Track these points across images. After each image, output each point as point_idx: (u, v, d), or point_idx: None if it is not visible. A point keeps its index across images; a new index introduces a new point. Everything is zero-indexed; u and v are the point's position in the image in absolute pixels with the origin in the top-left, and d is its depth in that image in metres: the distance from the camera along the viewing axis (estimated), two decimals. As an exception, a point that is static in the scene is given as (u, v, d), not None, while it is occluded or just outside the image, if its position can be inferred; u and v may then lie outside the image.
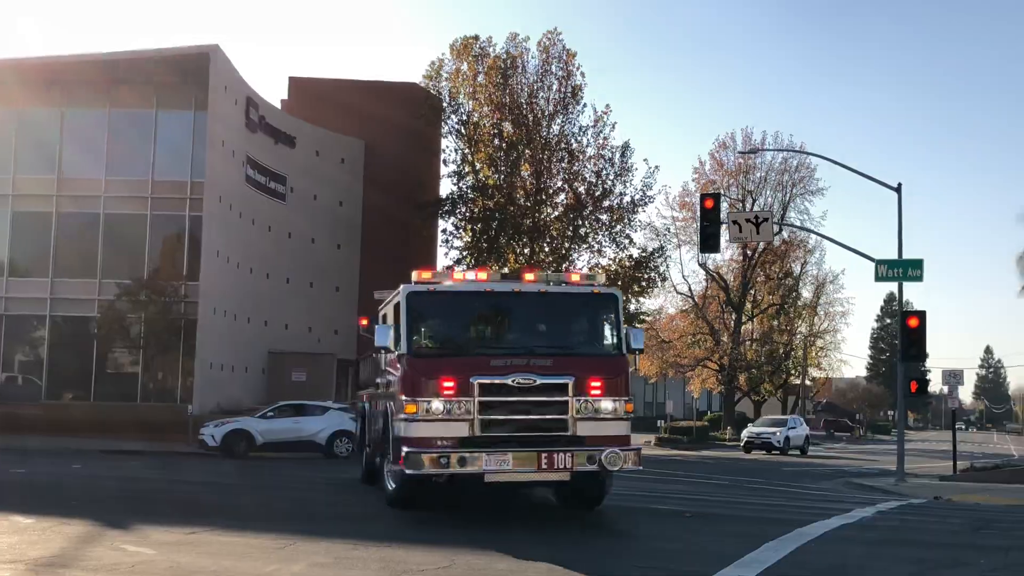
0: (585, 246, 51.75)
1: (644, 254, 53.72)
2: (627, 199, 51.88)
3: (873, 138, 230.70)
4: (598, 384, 14.08)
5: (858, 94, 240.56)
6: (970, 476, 31.53)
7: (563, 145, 51.51)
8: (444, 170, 53.83)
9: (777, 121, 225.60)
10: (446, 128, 52.76)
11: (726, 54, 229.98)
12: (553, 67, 51.42)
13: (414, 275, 14.76)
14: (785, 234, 65.46)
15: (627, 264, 51.45)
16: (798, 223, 63.54)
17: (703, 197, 30.98)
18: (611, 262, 51.14)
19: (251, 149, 45.60)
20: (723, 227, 29.88)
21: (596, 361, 14.49)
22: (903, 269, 27.63)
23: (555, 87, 51.43)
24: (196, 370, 40.42)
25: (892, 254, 28.38)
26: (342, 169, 51.79)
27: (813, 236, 65.68)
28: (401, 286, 14.64)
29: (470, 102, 52.23)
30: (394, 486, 15.11)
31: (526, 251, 50.33)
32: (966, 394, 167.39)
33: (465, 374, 13.62)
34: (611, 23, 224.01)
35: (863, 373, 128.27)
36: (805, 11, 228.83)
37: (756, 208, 61.67)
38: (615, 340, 14.78)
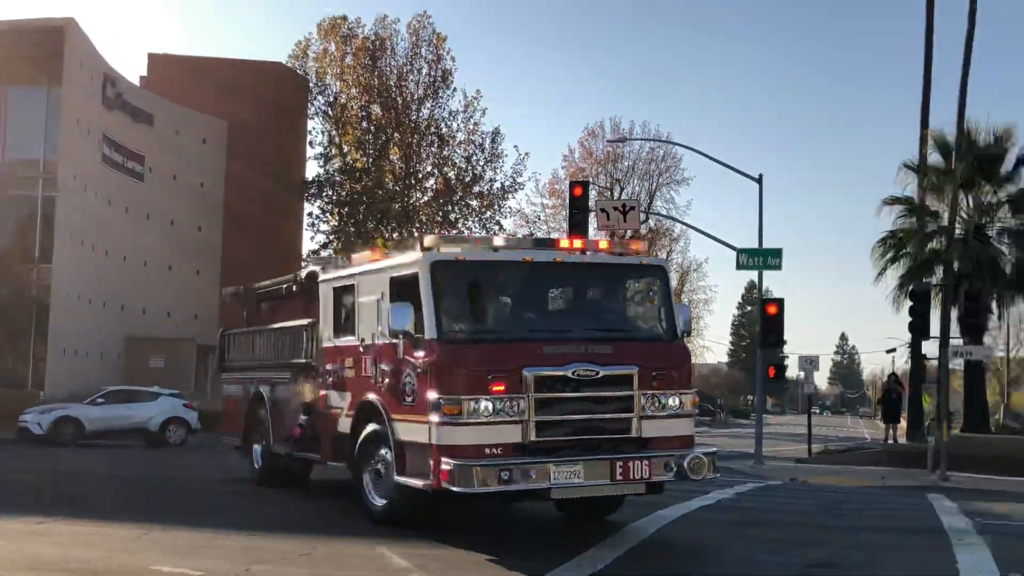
0: (455, 232, 51.73)
1: (514, 241, 54.04)
2: (497, 185, 52.14)
3: (738, 131, 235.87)
4: (664, 375, 11.89)
5: (724, 87, 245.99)
6: (824, 459, 32.53)
7: (433, 129, 51.31)
8: (311, 152, 53.09)
9: (645, 111, 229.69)
10: (313, 109, 51.94)
11: (595, 43, 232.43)
12: (423, 50, 51.18)
13: (428, 240, 12.03)
14: (652, 222, 66.32)
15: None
16: (664, 212, 64.75)
17: (572, 184, 31.22)
18: (480, 248, 51.19)
19: (108, 127, 43.90)
20: (591, 215, 30.12)
21: (657, 347, 12.33)
22: (763, 258, 28.35)
23: (425, 70, 51.21)
24: (48, 356, 38.84)
25: (754, 243, 29.11)
26: (204, 149, 50.25)
27: (678, 225, 66.63)
28: (420, 254, 11.81)
29: (338, 83, 51.56)
30: (383, 501, 12.38)
31: (395, 236, 49.96)
32: (822, 380, 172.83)
33: (516, 365, 11.13)
34: (481, 9, 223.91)
35: (725, 359, 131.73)
36: (672, 4, 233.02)
37: (624, 196, 62.37)
38: (670, 321, 12.59)
